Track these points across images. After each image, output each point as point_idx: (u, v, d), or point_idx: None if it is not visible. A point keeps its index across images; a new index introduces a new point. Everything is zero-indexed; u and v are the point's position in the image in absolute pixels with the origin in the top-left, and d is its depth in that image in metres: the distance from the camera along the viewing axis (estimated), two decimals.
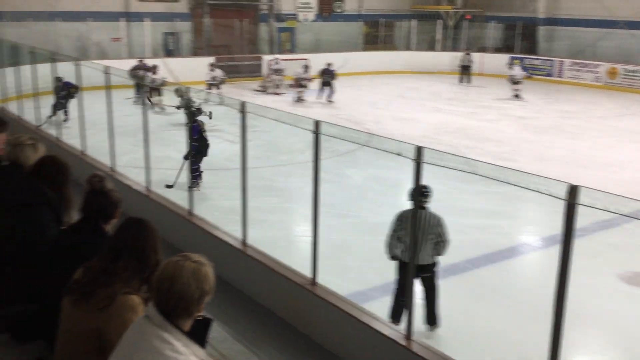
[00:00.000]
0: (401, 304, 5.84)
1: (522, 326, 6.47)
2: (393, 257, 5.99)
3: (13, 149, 4.08)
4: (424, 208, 5.85)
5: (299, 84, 19.42)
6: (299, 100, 19.29)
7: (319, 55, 25.05)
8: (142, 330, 2.25)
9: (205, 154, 10.17)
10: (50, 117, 13.13)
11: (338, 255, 8.02)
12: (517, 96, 20.81)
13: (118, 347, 2.35)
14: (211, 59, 23.92)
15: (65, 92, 13.61)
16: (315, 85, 19.60)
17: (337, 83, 19.30)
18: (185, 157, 9.43)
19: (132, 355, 2.23)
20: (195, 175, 9.59)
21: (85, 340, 2.65)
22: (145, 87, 13.70)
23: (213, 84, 19.11)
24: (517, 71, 21.47)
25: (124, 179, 8.54)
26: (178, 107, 13.41)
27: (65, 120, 13.49)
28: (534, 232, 9.58)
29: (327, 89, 19.32)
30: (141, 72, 16.15)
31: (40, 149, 4.19)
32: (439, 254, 5.93)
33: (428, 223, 5.80)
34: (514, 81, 21.11)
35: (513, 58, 27.20)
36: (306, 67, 19.53)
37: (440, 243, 5.86)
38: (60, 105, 13.79)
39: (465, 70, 25.07)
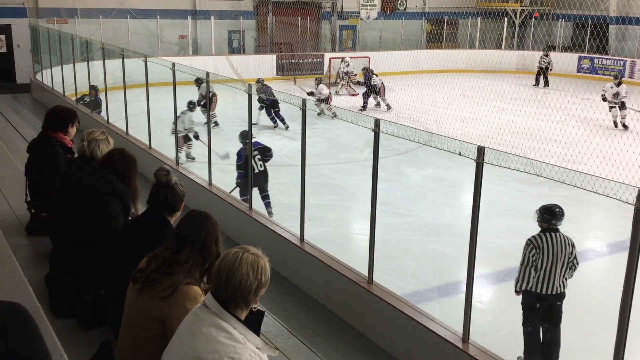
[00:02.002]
0: (537, 340, 5.57)
1: (585, 333, 6.28)
2: (518, 291, 5.56)
3: (89, 144, 4.23)
4: (557, 230, 5.46)
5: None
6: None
7: (381, 54, 24.98)
8: (200, 318, 2.32)
9: (260, 183, 8.87)
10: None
11: (395, 254, 7.99)
12: (625, 126, 16.13)
13: (176, 334, 2.44)
14: (273, 56, 24.22)
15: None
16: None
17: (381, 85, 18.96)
18: (237, 184, 8.87)
19: (190, 342, 2.30)
20: (266, 202, 8.97)
21: (148, 326, 2.75)
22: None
23: (322, 99, 17.68)
24: (624, 90, 16.06)
25: (187, 173, 8.76)
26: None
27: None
28: (600, 237, 9.26)
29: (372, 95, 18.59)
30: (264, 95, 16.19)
31: (111, 142, 4.35)
32: (567, 278, 5.53)
33: (565, 246, 5.41)
34: (619, 104, 16.07)
35: (582, 57, 26.33)
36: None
37: (572, 267, 5.49)
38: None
39: (543, 73, 23.88)
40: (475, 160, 4.37)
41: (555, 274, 5.38)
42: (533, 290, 5.43)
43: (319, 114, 15.12)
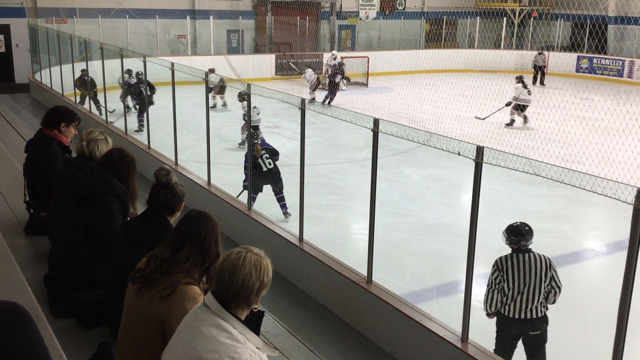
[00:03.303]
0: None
1: (584, 333, 6.28)
2: (490, 314, 5.17)
3: (88, 144, 4.22)
4: (528, 251, 5.03)
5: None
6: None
7: (380, 54, 24.97)
8: (200, 318, 2.32)
9: (270, 182, 8.98)
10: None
11: (394, 254, 7.98)
12: (511, 123, 16.85)
13: (176, 333, 2.43)
14: (272, 56, 24.22)
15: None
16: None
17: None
18: (244, 187, 8.63)
19: (190, 342, 2.29)
20: (281, 204, 8.98)
21: (147, 326, 2.74)
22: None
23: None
24: (521, 91, 17.09)
25: (187, 173, 8.75)
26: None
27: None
28: (599, 237, 9.26)
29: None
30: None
31: (110, 141, 4.34)
32: (549, 303, 5.06)
33: (536, 268, 4.95)
34: (520, 105, 16.89)
35: (581, 57, 26.34)
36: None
37: (551, 291, 4.99)
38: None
39: (539, 71, 24.10)
40: (474, 160, 4.38)
41: (524, 298, 4.94)
42: (502, 312, 5.06)
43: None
